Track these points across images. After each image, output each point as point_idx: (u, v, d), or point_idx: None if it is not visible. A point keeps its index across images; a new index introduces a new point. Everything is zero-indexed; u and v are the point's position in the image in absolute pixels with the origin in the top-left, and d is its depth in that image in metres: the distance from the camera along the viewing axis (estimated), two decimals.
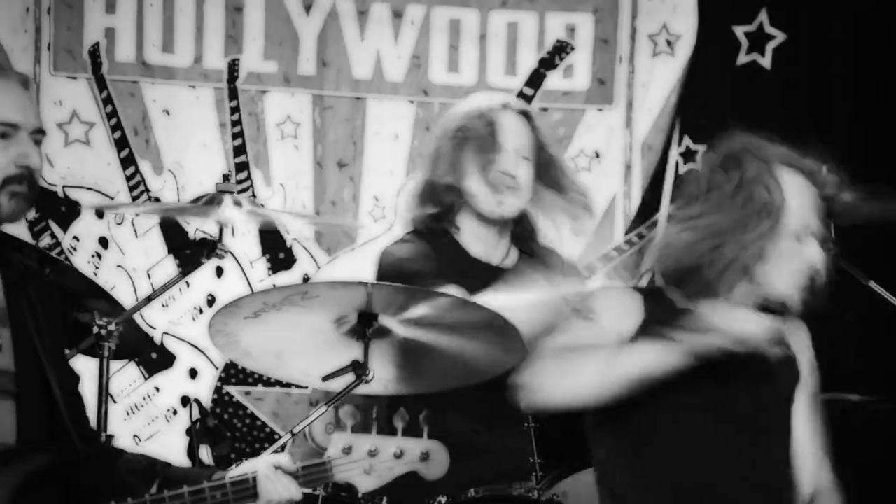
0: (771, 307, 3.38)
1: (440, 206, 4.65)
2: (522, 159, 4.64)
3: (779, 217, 3.36)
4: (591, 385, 3.28)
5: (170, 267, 5.61)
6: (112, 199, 5.60)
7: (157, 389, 5.66)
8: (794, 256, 3.38)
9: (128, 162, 5.67)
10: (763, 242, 3.35)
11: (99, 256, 5.66)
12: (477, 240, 4.68)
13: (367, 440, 3.39)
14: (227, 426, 5.42)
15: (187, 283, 5.63)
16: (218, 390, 5.66)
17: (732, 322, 3.24)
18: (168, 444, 5.44)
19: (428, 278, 4.24)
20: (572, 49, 5.74)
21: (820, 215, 3.45)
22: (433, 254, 4.59)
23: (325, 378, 3.90)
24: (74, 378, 3.57)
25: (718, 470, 3.34)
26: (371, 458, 3.39)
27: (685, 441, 3.34)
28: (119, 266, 5.64)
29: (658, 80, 5.72)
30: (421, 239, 4.66)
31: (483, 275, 4.49)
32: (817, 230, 3.41)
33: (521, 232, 4.70)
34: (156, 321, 5.64)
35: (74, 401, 3.52)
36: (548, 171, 4.68)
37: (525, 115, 4.74)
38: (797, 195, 3.40)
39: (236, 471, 3.41)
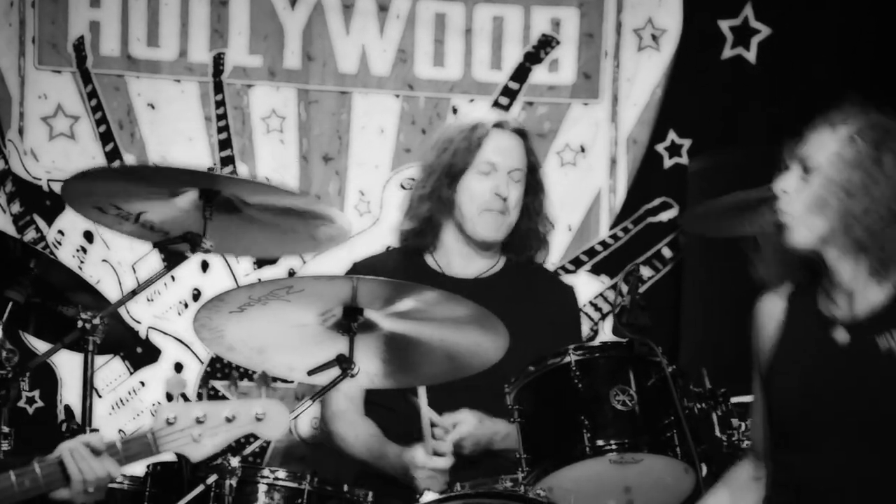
0: None
1: (421, 221, 4.68)
2: (514, 182, 4.66)
3: None
4: None
5: (155, 261, 5.60)
6: None
7: (143, 384, 5.65)
8: None
9: (113, 156, 5.65)
10: None
11: (84, 250, 5.65)
12: (458, 256, 4.70)
13: (196, 407, 3.26)
14: None
15: (172, 278, 5.63)
16: (204, 383, 5.65)
17: None
18: None
19: None
20: (557, 43, 5.73)
21: None
22: (399, 267, 4.63)
23: (311, 372, 3.89)
24: None
25: None
26: (199, 426, 3.25)
27: None
28: (104, 260, 5.63)
29: (643, 74, 5.71)
30: (393, 254, 4.71)
31: (448, 287, 4.51)
32: None
33: (512, 243, 4.74)
34: (141, 315, 5.63)
35: None
36: (533, 195, 4.72)
37: (520, 133, 4.74)
38: None
39: (50, 455, 3.25)
